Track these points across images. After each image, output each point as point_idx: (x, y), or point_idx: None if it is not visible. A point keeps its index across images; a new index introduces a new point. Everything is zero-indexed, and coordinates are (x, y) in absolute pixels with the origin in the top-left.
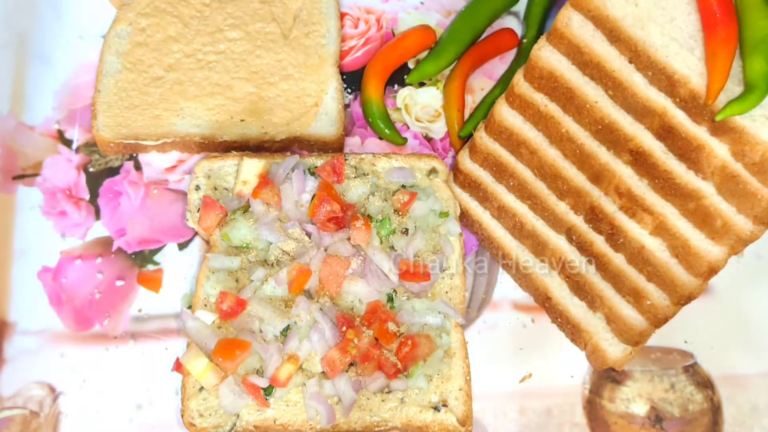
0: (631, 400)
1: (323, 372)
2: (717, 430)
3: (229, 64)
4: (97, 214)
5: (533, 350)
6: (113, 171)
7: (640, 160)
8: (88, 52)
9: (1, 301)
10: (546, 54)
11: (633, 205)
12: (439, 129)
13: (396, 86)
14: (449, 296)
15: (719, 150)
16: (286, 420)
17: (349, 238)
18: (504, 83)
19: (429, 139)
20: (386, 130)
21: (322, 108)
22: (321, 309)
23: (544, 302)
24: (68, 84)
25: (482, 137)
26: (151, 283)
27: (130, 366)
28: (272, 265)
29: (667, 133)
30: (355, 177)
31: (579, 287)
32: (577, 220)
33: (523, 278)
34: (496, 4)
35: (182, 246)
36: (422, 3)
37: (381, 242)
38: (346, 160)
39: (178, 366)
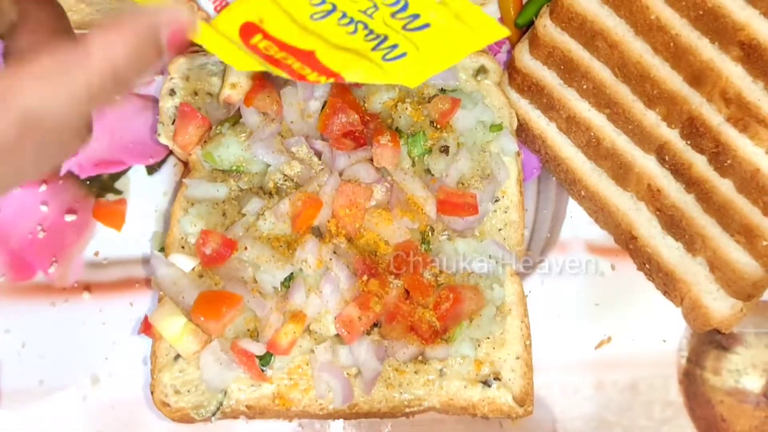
0: (742, 372)
1: (337, 335)
2: None
3: None
4: None
5: (613, 306)
6: None
7: (753, 56)
8: None
9: None
10: None
11: (744, 116)
12: (489, 14)
13: None
14: (503, 235)
15: None
16: (288, 398)
17: (371, 159)
18: None
19: None
20: None
21: None
22: (335, 252)
23: (628, 243)
24: None
25: (546, 26)
26: (111, 217)
27: (84, 327)
28: (270, 194)
29: None
30: None
31: (674, 223)
32: (672, 135)
33: (601, 211)
34: None
35: (152, 169)
36: None
37: (413, 164)
38: None
39: (147, 327)
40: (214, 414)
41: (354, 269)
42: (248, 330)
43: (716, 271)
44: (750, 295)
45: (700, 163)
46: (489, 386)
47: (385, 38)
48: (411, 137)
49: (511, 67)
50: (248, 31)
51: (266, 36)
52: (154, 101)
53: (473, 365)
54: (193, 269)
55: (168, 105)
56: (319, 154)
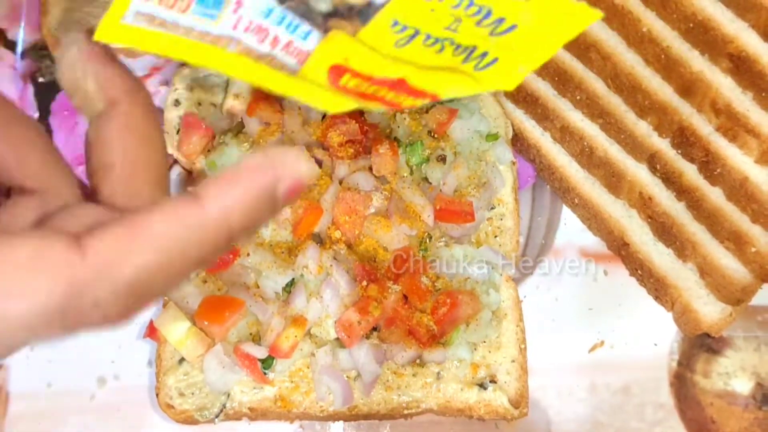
0: (732, 375)
1: (337, 339)
2: None
3: None
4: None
5: (606, 311)
6: None
7: (742, 68)
8: None
9: None
10: None
11: (734, 126)
12: None
13: None
14: (499, 242)
15: None
16: (290, 400)
17: (370, 168)
18: None
19: None
20: None
21: None
22: (335, 258)
23: (620, 249)
24: None
25: None
26: None
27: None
28: None
29: None
30: None
31: (665, 230)
32: (663, 145)
33: (594, 218)
34: None
35: None
36: None
37: (411, 173)
38: None
39: (152, 331)
40: (217, 416)
41: (354, 275)
42: (251, 334)
43: (706, 277)
44: (739, 300)
45: (690, 172)
46: (485, 389)
47: (474, 48)
48: (409, 146)
49: None
50: (336, 72)
51: (354, 74)
52: (160, 112)
53: (470, 368)
54: (197, 275)
55: (172, 115)
56: (319, 163)
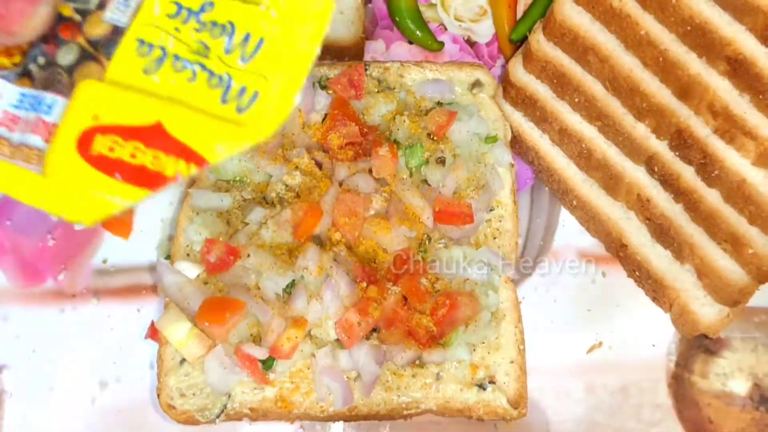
0: (729, 376)
1: (337, 340)
2: None
3: None
4: None
5: (604, 312)
6: None
7: (739, 70)
8: None
9: None
10: None
11: (731, 128)
12: (484, 30)
13: None
14: (498, 243)
15: None
16: (290, 401)
17: (370, 170)
18: None
19: (472, 44)
20: (418, 32)
21: (336, 3)
22: (335, 259)
23: (618, 251)
24: None
25: (540, 41)
26: (118, 226)
27: (93, 332)
28: (273, 203)
29: None
30: (378, 92)
31: (662, 232)
32: (661, 147)
33: (592, 220)
34: None
35: None
36: None
37: (411, 175)
38: (366, 70)
39: (154, 332)
40: (218, 416)
41: (354, 276)
42: (251, 335)
43: (704, 278)
44: (736, 301)
45: (688, 174)
46: (484, 389)
47: (229, 81)
48: (409, 149)
49: (505, 81)
50: (86, 140)
51: (106, 130)
52: None
53: (469, 369)
54: (198, 276)
55: None
56: (319, 165)
